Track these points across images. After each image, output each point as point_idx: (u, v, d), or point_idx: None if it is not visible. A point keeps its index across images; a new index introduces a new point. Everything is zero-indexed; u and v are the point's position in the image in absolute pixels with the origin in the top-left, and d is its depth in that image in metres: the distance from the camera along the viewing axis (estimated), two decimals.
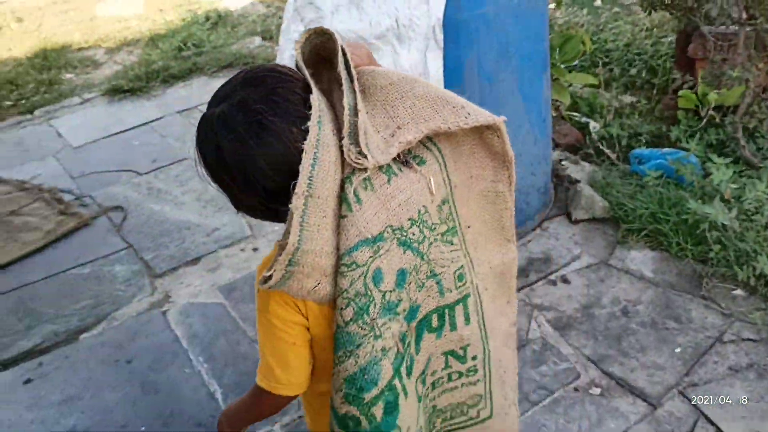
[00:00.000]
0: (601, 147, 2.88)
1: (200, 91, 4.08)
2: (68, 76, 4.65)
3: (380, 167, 0.98)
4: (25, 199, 3.13)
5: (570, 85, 3.15)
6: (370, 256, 0.97)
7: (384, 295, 1.00)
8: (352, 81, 0.98)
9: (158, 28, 5.30)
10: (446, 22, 2.05)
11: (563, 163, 2.85)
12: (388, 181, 0.99)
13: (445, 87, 1.31)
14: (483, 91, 2.23)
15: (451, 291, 1.12)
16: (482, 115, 1.04)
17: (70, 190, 3.20)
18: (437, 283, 1.10)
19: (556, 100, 3.00)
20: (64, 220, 2.93)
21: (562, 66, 2.99)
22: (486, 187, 1.14)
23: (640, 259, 2.37)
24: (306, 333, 1.06)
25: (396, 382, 1.05)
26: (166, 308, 2.41)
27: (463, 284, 1.14)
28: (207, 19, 5.25)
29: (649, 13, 3.09)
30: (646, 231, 2.43)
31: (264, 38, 4.79)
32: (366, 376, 1.01)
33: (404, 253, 1.02)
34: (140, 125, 3.78)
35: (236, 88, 0.97)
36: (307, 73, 0.98)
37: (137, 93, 4.17)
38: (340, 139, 0.94)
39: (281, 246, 0.93)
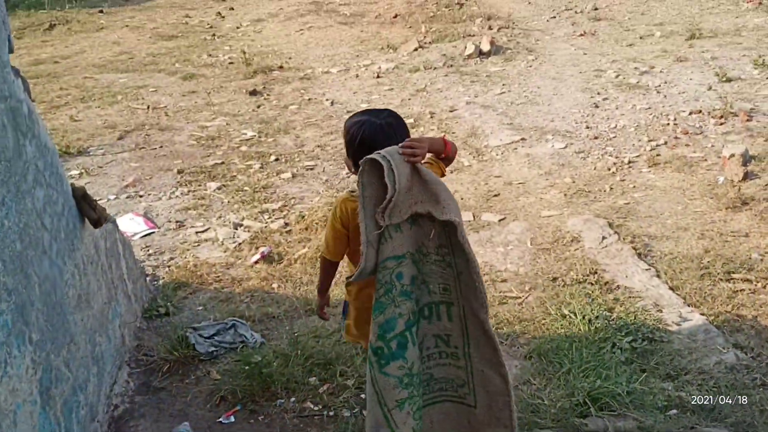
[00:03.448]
0: None
1: None
2: None
3: (407, 219, 2.05)
4: None
5: None
6: (395, 265, 2.05)
7: (402, 286, 2.07)
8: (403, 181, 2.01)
9: (551, 329, 3.53)
10: None
11: None
12: (410, 228, 2.07)
13: None
14: None
15: (436, 293, 2.14)
16: (449, 215, 2.04)
17: None
18: (426, 286, 2.14)
19: None
20: None
21: None
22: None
23: None
24: (345, 236, 2.32)
25: (407, 333, 2.07)
26: None
27: (448, 294, 2.14)
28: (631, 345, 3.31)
29: None
30: None
31: None
32: (387, 325, 2.06)
33: (413, 265, 2.09)
34: None
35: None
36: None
37: None
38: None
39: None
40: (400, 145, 2.04)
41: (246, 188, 5.47)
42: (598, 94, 7.29)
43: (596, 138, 6.14)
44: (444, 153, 2.32)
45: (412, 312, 2.10)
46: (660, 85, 7.38)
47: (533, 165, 5.66)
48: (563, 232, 4.51)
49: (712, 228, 4.48)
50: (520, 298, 3.85)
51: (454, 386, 2.22)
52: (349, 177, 5.59)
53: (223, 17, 12.99)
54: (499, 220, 4.77)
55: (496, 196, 5.17)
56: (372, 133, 2.19)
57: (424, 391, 2.21)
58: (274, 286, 4.11)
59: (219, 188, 5.48)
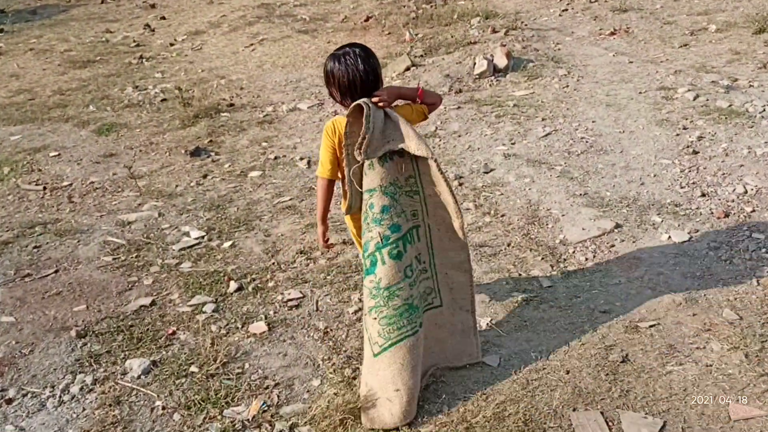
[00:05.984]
0: None
1: None
2: None
3: (380, 157, 2.50)
4: None
5: None
6: (368, 197, 2.53)
7: (374, 215, 2.53)
8: (367, 121, 2.45)
9: None
10: None
11: None
12: (382, 165, 2.52)
13: None
14: None
15: (410, 220, 2.61)
16: (422, 151, 2.48)
17: None
18: (405, 215, 2.59)
19: None
20: None
21: None
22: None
23: None
24: (335, 151, 2.67)
25: (377, 254, 2.54)
26: None
27: (415, 218, 2.64)
28: None
29: None
30: None
31: None
32: (365, 246, 2.58)
33: (385, 196, 2.53)
34: None
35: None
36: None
37: None
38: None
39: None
40: (373, 94, 2.54)
41: (192, 368, 3.21)
42: (684, 129, 5.20)
43: (726, 216, 4.04)
44: (417, 99, 2.75)
45: (383, 236, 2.55)
46: (765, 110, 5.33)
47: (657, 284, 3.53)
48: None
49: None
50: None
51: (427, 296, 2.77)
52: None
53: (153, 30, 10.53)
54: None
55: (623, 362, 3.04)
56: (353, 78, 2.57)
57: (418, 305, 2.68)
58: None
59: (146, 372, 3.21)
